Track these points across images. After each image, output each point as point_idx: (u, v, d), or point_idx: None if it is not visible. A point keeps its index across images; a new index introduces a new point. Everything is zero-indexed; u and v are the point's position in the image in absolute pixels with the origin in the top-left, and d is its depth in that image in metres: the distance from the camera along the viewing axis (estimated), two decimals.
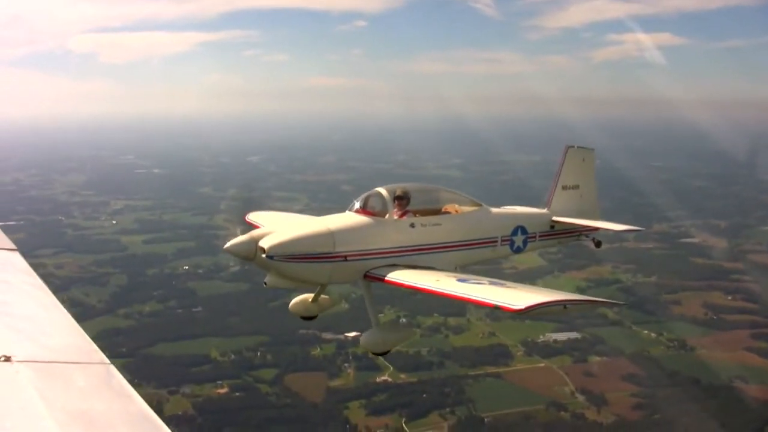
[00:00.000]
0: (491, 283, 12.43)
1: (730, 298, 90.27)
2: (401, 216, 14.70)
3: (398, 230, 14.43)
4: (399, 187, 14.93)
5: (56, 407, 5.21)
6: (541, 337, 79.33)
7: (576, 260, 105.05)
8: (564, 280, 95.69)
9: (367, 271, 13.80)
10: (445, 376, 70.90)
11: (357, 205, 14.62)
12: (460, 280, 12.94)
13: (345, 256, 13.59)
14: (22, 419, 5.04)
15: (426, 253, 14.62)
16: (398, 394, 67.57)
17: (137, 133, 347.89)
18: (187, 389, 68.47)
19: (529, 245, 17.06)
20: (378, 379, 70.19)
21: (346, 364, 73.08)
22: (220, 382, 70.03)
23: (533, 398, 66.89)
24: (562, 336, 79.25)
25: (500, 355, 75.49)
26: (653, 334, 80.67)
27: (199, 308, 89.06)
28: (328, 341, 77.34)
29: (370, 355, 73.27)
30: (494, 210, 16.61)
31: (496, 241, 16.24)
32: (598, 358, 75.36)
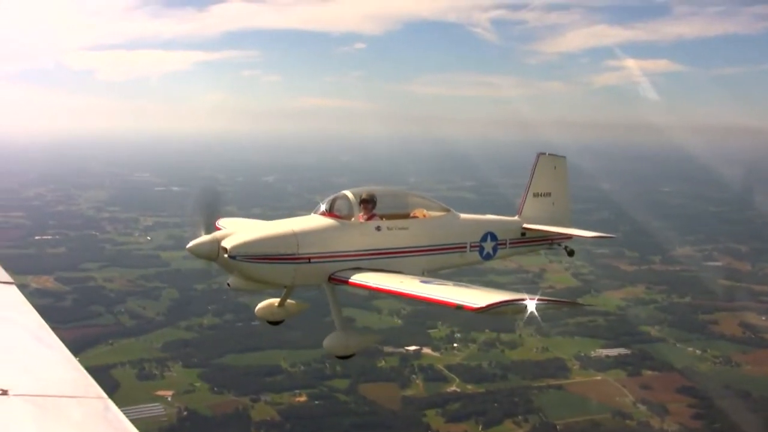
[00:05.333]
0: (455, 285, 12.71)
1: (764, 318, 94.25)
2: (368, 219, 14.74)
3: (364, 233, 14.40)
4: (365, 191, 14.99)
5: None
6: (593, 352, 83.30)
7: (610, 281, 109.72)
8: (602, 299, 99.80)
9: (332, 274, 13.80)
10: (511, 387, 74.62)
11: (323, 207, 14.67)
12: (423, 281, 13.18)
13: (309, 258, 13.58)
14: None
15: (392, 257, 14.58)
16: (470, 403, 71.29)
17: (144, 150, 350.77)
18: (267, 397, 71.52)
19: (499, 252, 17.09)
20: (448, 389, 74.04)
21: (413, 375, 76.86)
22: (297, 390, 73.18)
23: (597, 408, 70.75)
24: (612, 352, 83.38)
25: (558, 368, 79.28)
26: (698, 351, 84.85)
27: (257, 322, 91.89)
28: (390, 354, 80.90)
29: (437, 366, 77.46)
30: (463, 216, 16.56)
31: (465, 247, 16.28)
32: (650, 372, 79.19)
